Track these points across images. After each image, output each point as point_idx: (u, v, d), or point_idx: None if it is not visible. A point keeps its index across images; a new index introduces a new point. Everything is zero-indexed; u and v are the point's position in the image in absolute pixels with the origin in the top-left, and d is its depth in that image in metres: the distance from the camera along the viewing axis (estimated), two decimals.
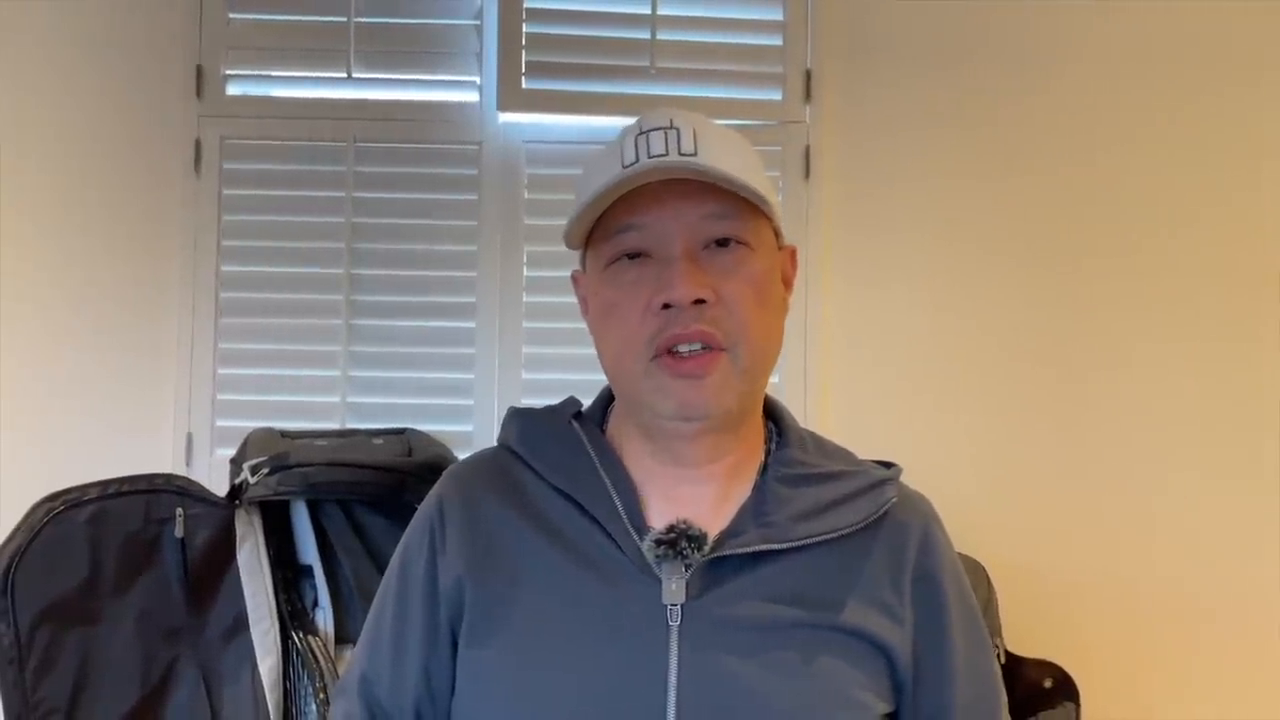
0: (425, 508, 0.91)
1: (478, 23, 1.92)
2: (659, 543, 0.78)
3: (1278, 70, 1.93)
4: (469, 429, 1.91)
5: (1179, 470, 1.87)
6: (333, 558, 1.75)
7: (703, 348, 0.78)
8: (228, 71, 1.92)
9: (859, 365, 1.89)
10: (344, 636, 1.73)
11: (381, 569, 1.74)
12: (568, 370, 1.90)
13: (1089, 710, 1.72)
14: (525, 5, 1.90)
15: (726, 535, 0.80)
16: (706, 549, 0.78)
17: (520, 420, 0.93)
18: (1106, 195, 1.92)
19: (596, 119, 1.91)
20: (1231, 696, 1.84)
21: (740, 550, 0.78)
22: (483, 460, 0.93)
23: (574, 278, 0.93)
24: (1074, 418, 1.89)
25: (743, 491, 0.83)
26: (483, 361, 1.92)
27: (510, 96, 1.90)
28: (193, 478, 1.63)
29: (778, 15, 1.92)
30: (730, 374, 0.79)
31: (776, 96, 1.92)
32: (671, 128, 0.79)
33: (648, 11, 1.91)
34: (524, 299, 1.92)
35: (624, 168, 0.76)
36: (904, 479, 0.90)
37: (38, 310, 1.90)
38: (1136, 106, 1.93)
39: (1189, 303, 1.91)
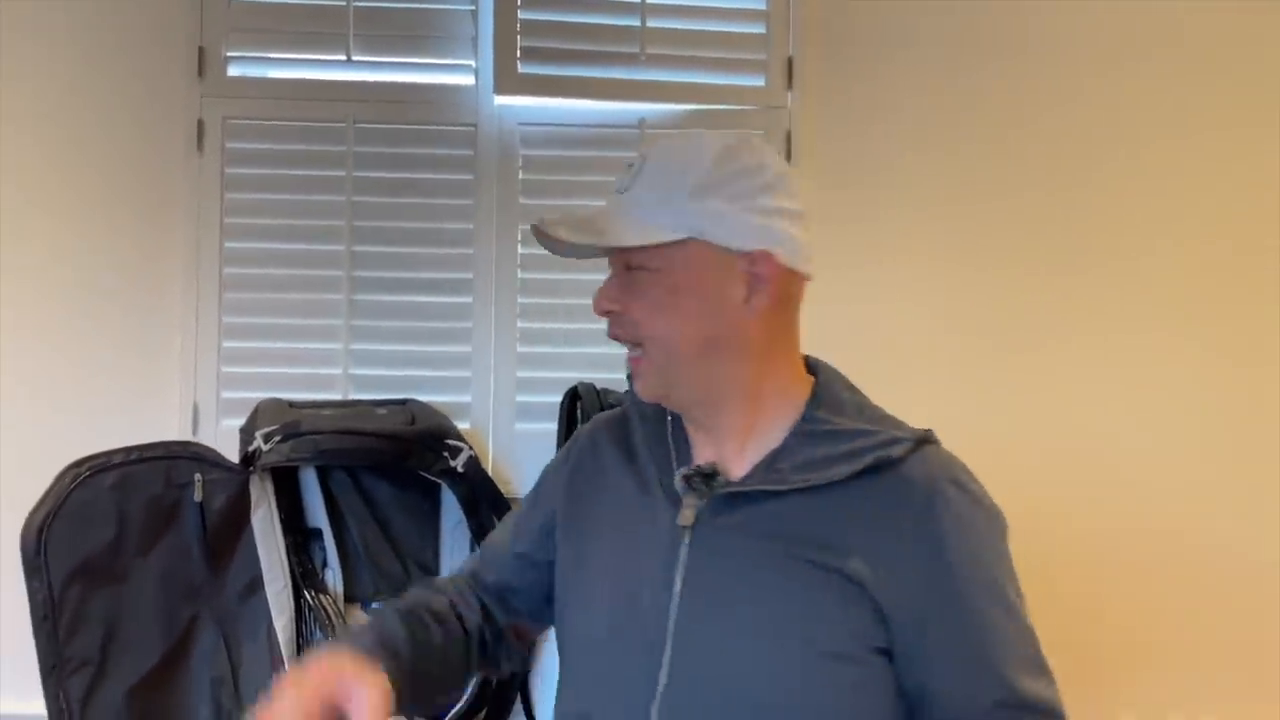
0: (575, 437, 1.11)
1: (473, 8, 1.99)
2: (685, 478, 0.94)
3: (1233, 49, 2.05)
4: (467, 399, 1.99)
5: (1134, 430, 2.01)
6: (341, 521, 1.84)
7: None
8: (229, 53, 1.97)
9: (835, 339, 1.98)
10: (353, 595, 1.83)
11: (387, 532, 1.87)
12: (563, 344, 1.99)
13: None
14: None
15: (742, 479, 0.93)
16: (715, 485, 0.93)
17: None
18: (1084, 174, 2.02)
19: (589, 103, 1.99)
20: (1178, 638, 2.00)
21: (742, 489, 0.91)
22: (618, 411, 1.09)
23: None
24: (1029, 389, 2.02)
25: (773, 445, 0.94)
26: (479, 335, 2.00)
27: (506, 80, 1.97)
28: None
29: (761, 4, 2.01)
30: (652, 369, 0.94)
31: (759, 82, 2.01)
32: (631, 166, 0.95)
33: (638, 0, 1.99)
34: (519, 275, 2.00)
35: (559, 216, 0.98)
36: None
37: (47, 284, 1.95)
38: (1112, 91, 2.03)
39: (1161, 280, 2.03)
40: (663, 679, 0.90)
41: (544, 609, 1.07)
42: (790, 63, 2.01)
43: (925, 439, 0.94)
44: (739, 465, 0.95)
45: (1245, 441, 2.02)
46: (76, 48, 1.95)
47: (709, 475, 0.93)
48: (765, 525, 0.90)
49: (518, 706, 1.92)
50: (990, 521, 0.92)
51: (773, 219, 0.91)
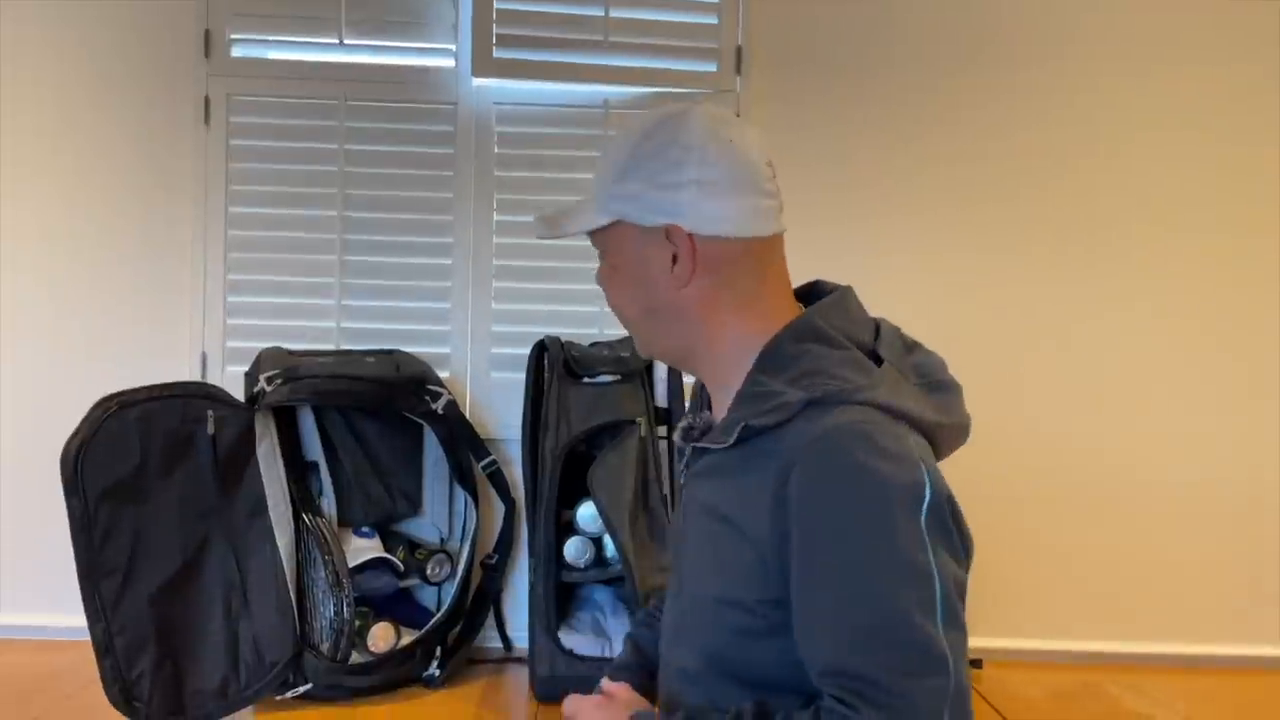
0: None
1: None
2: (681, 432, 1.06)
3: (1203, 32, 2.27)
4: (446, 351, 2.22)
5: (1039, 373, 2.27)
6: (335, 455, 2.08)
7: None
8: (233, 35, 2.18)
9: None
10: (345, 520, 2.07)
11: (375, 465, 2.11)
12: (532, 302, 2.22)
13: None
14: None
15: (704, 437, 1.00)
16: (689, 438, 1.03)
17: None
18: (1030, 155, 2.25)
19: (558, 84, 2.21)
20: (1067, 561, 2.27)
21: (696, 444, 0.99)
22: None
23: None
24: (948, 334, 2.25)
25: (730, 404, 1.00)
26: (458, 293, 2.23)
27: (483, 63, 2.18)
28: None
29: None
30: (630, 333, 1.04)
31: (711, 68, 2.23)
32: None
33: None
34: (494, 240, 2.22)
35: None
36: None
37: (71, 247, 2.18)
38: (1046, 82, 2.25)
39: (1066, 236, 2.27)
40: (676, 607, 1.02)
41: None
42: (739, 51, 2.23)
43: (821, 400, 0.90)
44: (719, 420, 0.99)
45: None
46: (96, 31, 2.17)
47: (689, 429, 1.03)
48: (704, 480, 0.97)
49: (490, 621, 2.18)
50: (870, 488, 0.85)
51: (680, 192, 0.93)
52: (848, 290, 1.02)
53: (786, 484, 0.86)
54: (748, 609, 0.90)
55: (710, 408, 1.04)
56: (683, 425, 1.04)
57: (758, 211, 0.97)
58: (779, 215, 1.00)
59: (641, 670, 1.13)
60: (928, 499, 0.85)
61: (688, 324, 0.98)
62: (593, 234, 1.01)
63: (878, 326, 1.01)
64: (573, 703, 0.99)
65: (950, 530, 0.87)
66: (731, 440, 0.92)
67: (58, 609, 2.07)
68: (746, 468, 0.91)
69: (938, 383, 0.98)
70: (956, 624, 0.84)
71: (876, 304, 1.06)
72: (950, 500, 0.88)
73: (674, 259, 0.95)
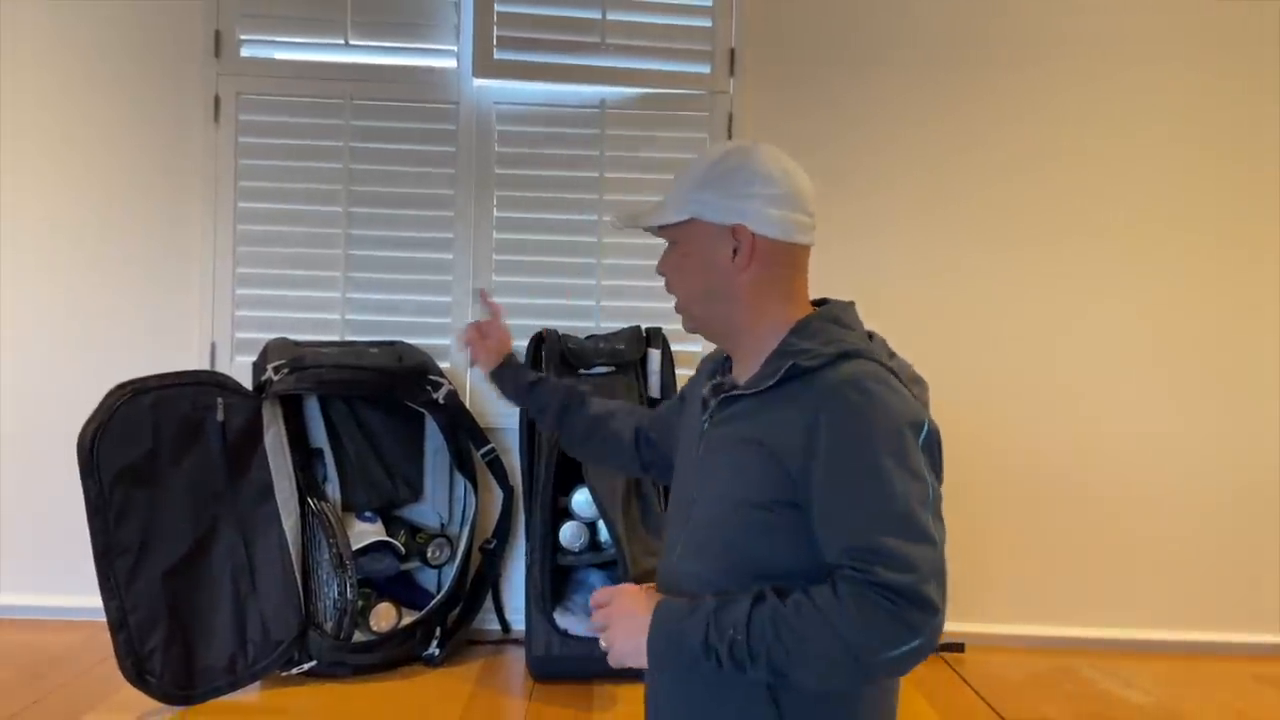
0: (700, 363, 1.40)
1: (456, 0, 2.27)
2: (710, 389, 1.28)
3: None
4: (447, 343, 2.29)
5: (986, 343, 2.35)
6: (339, 442, 2.15)
7: None
8: (243, 36, 2.25)
9: None
10: (349, 504, 2.14)
11: (378, 452, 2.18)
12: (532, 295, 2.29)
13: None
14: None
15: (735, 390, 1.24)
16: (719, 392, 1.25)
17: None
18: (1014, 143, 2.33)
19: (556, 85, 2.28)
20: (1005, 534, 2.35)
21: (727, 394, 1.22)
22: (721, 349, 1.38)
23: None
24: (936, 327, 2.33)
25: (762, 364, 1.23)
26: (459, 287, 2.30)
27: (484, 64, 2.25)
28: None
29: (707, 1, 2.29)
30: (681, 311, 1.27)
31: (705, 70, 2.29)
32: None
33: None
34: (494, 235, 2.29)
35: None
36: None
37: (83, 242, 2.26)
38: (1038, 81, 2.33)
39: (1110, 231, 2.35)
40: (689, 527, 1.25)
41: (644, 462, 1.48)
42: (732, 53, 2.29)
43: (848, 354, 1.16)
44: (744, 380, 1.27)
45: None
46: (108, 32, 2.24)
47: (718, 385, 1.28)
48: (734, 420, 1.21)
49: (488, 604, 2.26)
50: (885, 414, 1.11)
51: (749, 201, 1.19)
52: (852, 303, 1.28)
53: (819, 412, 1.11)
54: (765, 507, 1.15)
55: (732, 373, 1.29)
56: (712, 383, 1.29)
57: (801, 225, 1.23)
58: (812, 231, 1.25)
59: (522, 372, 1.52)
60: (925, 430, 1.13)
61: (737, 305, 1.23)
62: (668, 229, 1.26)
63: (870, 335, 1.26)
64: (609, 589, 1.20)
65: (936, 459, 1.15)
66: (775, 380, 1.16)
67: (67, 590, 2.17)
68: (781, 404, 1.15)
69: (912, 377, 1.23)
70: (940, 520, 1.11)
71: (868, 300, 1.28)
72: (939, 437, 1.15)
73: (734, 252, 1.21)
